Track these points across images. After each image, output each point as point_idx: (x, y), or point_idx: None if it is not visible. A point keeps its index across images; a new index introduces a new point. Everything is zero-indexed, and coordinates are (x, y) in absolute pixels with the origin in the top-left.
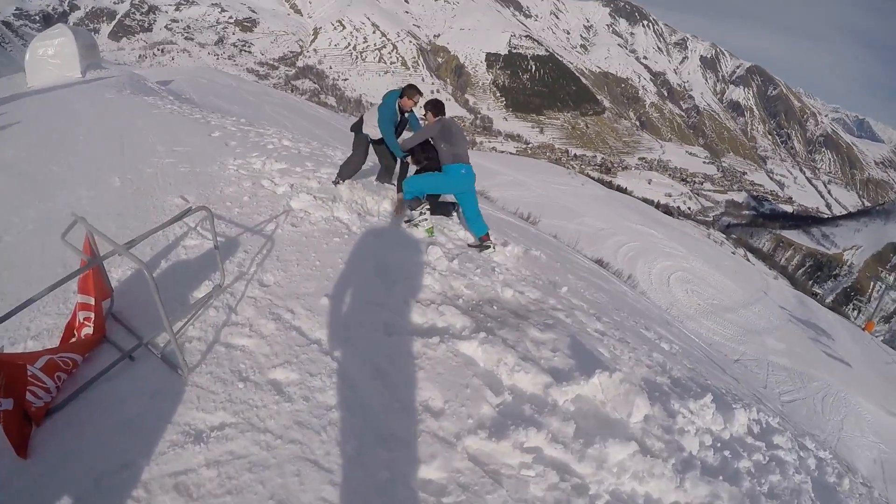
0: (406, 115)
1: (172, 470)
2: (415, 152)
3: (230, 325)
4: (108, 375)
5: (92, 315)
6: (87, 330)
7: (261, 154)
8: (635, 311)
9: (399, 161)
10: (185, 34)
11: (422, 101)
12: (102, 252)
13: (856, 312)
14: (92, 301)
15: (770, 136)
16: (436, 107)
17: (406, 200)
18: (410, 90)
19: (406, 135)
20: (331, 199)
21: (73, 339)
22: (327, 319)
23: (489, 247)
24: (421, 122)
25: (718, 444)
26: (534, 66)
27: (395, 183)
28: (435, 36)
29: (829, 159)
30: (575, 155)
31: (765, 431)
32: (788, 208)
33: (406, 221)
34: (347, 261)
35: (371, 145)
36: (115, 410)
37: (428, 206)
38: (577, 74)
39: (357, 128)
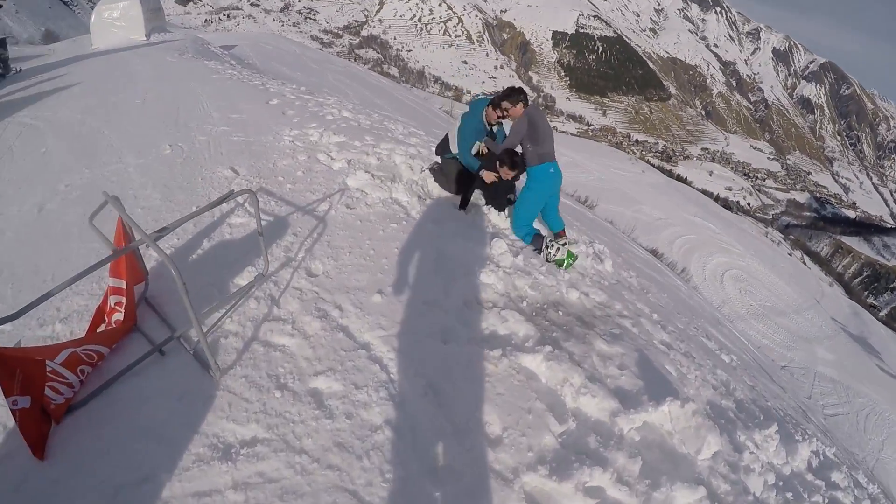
0: (493, 128)
1: (196, 489)
2: (498, 161)
3: (271, 319)
4: (136, 370)
5: (123, 300)
6: (118, 316)
7: (319, 125)
8: (689, 310)
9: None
10: (251, 0)
11: (514, 109)
12: (137, 234)
13: None
14: (124, 285)
15: (839, 137)
16: (521, 95)
17: (529, 245)
18: (504, 99)
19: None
20: (390, 178)
21: (102, 327)
22: (378, 320)
23: (565, 243)
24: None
25: (780, 483)
26: (600, 47)
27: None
28: (502, 11)
29: None
30: (636, 140)
31: (823, 466)
32: (851, 214)
33: (547, 260)
34: (404, 251)
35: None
36: (140, 412)
37: (552, 240)
38: (644, 58)
39: (442, 149)
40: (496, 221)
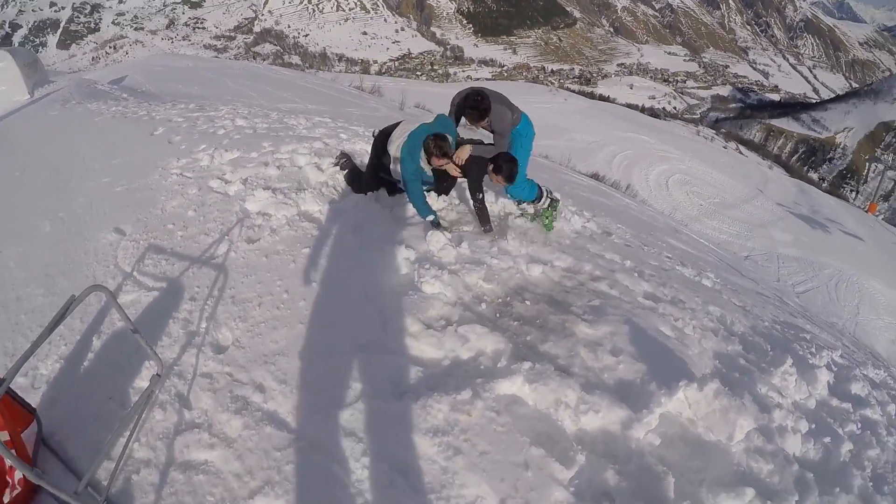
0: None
1: None
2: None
3: (184, 429)
4: None
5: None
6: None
7: (209, 145)
8: (647, 227)
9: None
10: (135, 24)
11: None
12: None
13: (854, 194)
14: (7, 436)
15: (749, 27)
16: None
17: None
18: (437, 144)
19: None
20: (295, 188)
21: (7, 495)
22: (309, 394)
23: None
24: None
25: (814, 426)
26: None
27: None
28: None
29: (812, 44)
30: (552, 70)
31: (840, 379)
32: (776, 97)
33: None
34: (324, 282)
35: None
36: None
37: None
38: None
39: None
40: (435, 204)
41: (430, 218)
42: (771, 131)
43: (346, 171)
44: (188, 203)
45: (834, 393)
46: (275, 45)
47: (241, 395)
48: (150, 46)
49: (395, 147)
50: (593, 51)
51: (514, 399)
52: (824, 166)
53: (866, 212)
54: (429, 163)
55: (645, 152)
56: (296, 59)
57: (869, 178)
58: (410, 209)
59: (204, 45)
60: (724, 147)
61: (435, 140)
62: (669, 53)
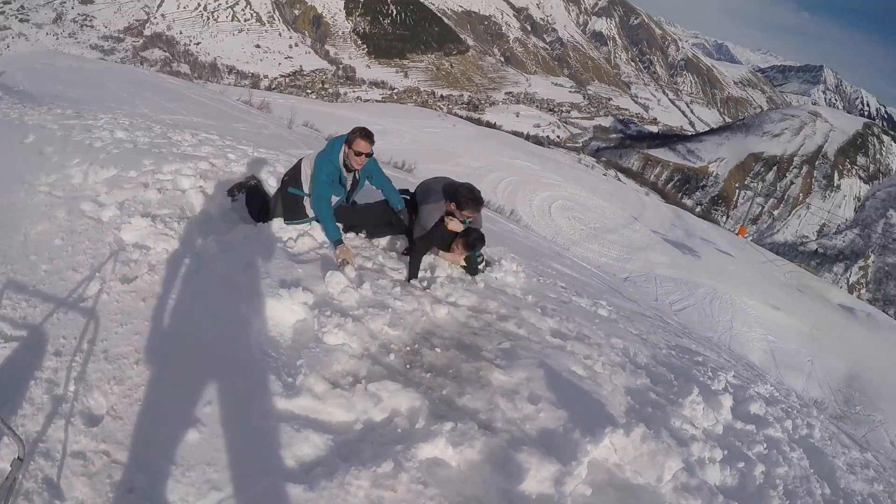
0: (355, 174)
1: None
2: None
3: None
4: None
5: None
6: None
7: (84, 159)
8: (531, 252)
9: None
10: (20, 15)
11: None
12: None
13: (724, 219)
14: None
15: (633, 63)
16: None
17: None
18: (359, 134)
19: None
20: (177, 215)
21: None
22: (204, 475)
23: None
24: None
25: (726, 453)
26: (395, 10)
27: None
28: None
29: (691, 81)
30: (441, 96)
31: (738, 401)
32: (654, 129)
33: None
34: (213, 332)
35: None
36: None
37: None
38: (438, 15)
39: (289, 182)
40: (320, 237)
41: (336, 239)
42: (648, 160)
43: (249, 193)
44: (55, 229)
45: (736, 415)
46: (164, 51)
47: (125, 480)
48: (34, 41)
49: (305, 176)
50: (483, 78)
51: (436, 461)
52: (698, 193)
53: (736, 234)
54: (350, 166)
55: (529, 178)
56: (185, 68)
57: (738, 204)
58: (304, 243)
59: (91, 45)
60: (605, 174)
61: (358, 130)
62: (556, 84)
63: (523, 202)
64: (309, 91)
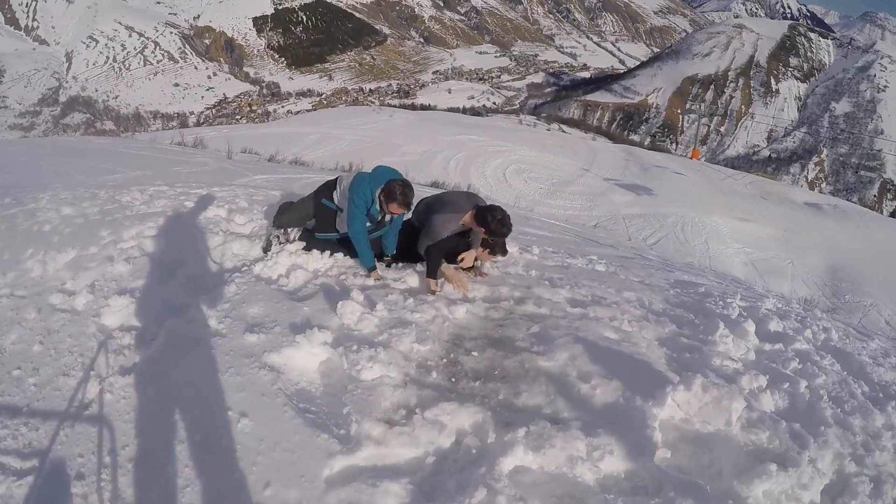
0: (387, 217)
1: None
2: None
3: None
4: None
5: None
6: None
7: (37, 248)
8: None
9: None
10: None
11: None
12: None
13: (674, 146)
14: None
15: (551, 16)
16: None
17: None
18: (404, 192)
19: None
20: (156, 281)
21: None
22: None
23: None
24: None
25: (768, 377)
26: (304, 17)
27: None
28: (195, 18)
29: (612, 20)
30: (370, 90)
31: (757, 323)
32: (586, 74)
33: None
34: (248, 408)
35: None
36: None
37: None
38: (349, 11)
39: (322, 193)
40: (312, 265)
41: (371, 266)
42: (588, 106)
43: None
44: (30, 333)
45: (761, 338)
46: (84, 112)
47: None
48: None
49: (340, 191)
50: (407, 63)
51: (518, 470)
52: (642, 127)
53: (690, 158)
54: (383, 208)
55: (477, 151)
56: (109, 125)
57: (685, 129)
58: (298, 278)
59: (9, 126)
60: (548, 129)
61: (403, 186)
62: (480, 53)
63: (477, 175)
64: (238, 117)
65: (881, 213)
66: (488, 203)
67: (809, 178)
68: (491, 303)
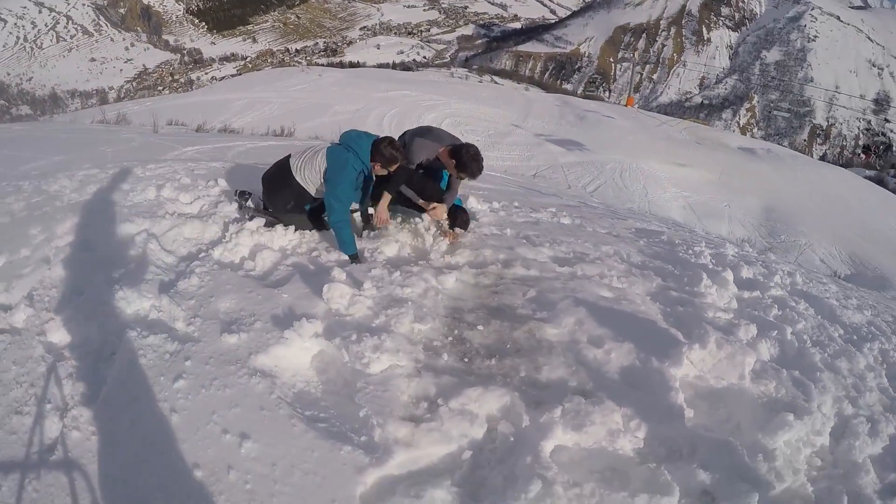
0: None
1: None
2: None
3: None
4: None
5: None
6: None
7: None
8: None
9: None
10: None
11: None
12: None
13: (607, 94)
14: None
15: None
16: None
17: None
18: (387, 149)
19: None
20: (103, 281)
21: None
22: None
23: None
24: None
25: (755, 326)
26: None
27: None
28: None
29: None
30: (297, 50)
31: (733, 266)
32: (517, 25)
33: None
34: (240, 418)
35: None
36: None
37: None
38: None
39: (276, 197)
40: (278, 243)
41: (353, 253)
42: (520, 57)
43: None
44: None
45: (738, 285)
46: None
47: None
48: None
49: (308, 169)
50: (333, 20)
51: (555, 450)
52: (575, 76)
53: (625, 105)
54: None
55: (410, 106)
56: (25, 109)
57: (617, 77)
58: (267, 258)
59: None
60: (480, 81)
61: (393, 143)
62: (408, 7)
63: None
64: (160, 87)
65: (811, 156)
66: None
67: (741, 124)
68: (478, 268)
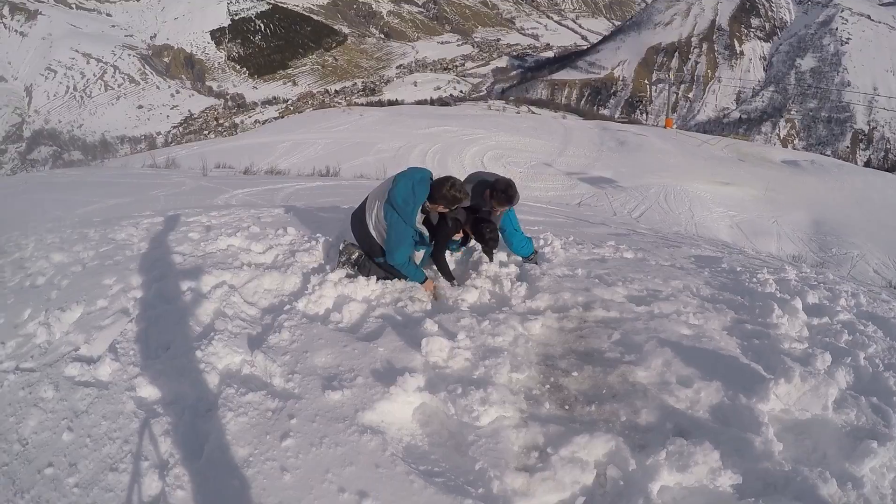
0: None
1: None
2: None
3: None
4: None
5: None
6: None
7: (35, 307)
8: None
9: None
10: None
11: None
12: None
13: (645, 116)
14: None
15: None
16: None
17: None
18: (450, 191)
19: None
20: (189, 336)
21: None
22: None
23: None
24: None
25: (828, 353)
26: (262, 25)
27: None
28: (151, 38)
29: None
30: (336, 91)
31: (800, 293)
32: (550, 54)
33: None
34: (360, 475)
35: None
36: None
37: None
38: (306, 14)
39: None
40: (361, 294)
41: (422, 279)
42: (555, 85)
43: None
44: (54, 418)
45: (806, 312)
46: (51, 145)
47: None
48: None
49: (375, 210)
50: (370, 60)
51: (661, 490)
52: (611, 101)
53: (664, 127)
54: (429, 210)
55: (452, 141)
56: (77, 155)
57: (654, 99)
58: (353, 310)
59: None
60: (518, 112)
61: (454, 185)
62: (442, 43)
63: (456, 165)
64: (206, 132)
65: (855, 163)
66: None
67: (782, 136)
68: (560, 312)
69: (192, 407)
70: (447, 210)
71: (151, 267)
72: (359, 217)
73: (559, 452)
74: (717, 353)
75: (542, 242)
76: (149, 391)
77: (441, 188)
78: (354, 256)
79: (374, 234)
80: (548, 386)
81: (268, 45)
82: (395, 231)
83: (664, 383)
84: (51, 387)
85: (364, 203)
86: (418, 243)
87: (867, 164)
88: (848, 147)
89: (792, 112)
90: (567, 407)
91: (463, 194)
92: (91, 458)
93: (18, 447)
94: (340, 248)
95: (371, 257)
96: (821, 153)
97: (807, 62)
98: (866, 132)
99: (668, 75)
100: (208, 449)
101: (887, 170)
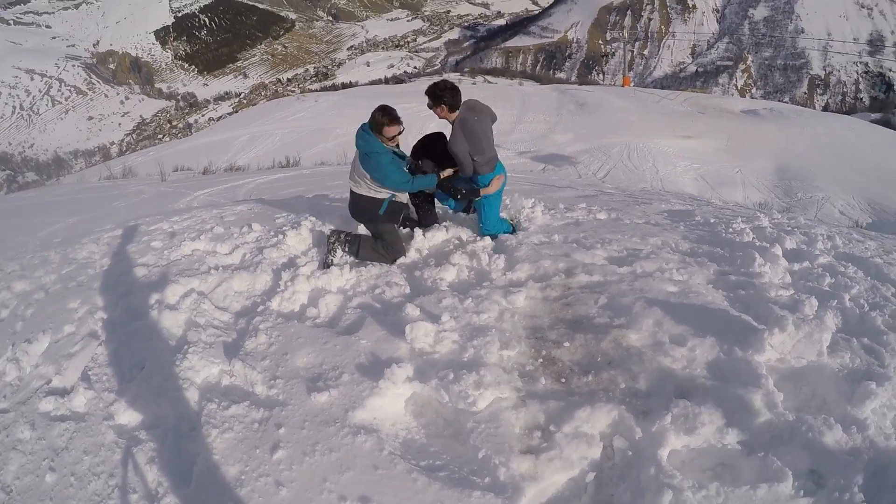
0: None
1: None
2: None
3: None
4: None
5: None
6: None
7: (1, 342)
8: None
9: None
10: None
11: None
12: None
13: (601, 76)
14: None
15: None
16: (452, 96)
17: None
18: (383, 115)
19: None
20: (163, 349)
21: None
22: None
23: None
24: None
25: (814, 298)
26: (206, 19)
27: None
28: (94, 45)
29: None
30: (288, 80)
31: (777, 239)
32: (502, 22)
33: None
34: (362, 480)
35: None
36: None
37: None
38: (251, 4)
39: (363, 210)
40: (335, 284)
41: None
42: (509, 53)
43: (354, 246)
44: (34, 460)
45: (787, 258)
46: (3, 169)
47: None
48: None
49: (356, 175)
50: (320, 44)
51: (669, 455)
52: (567, 64)
53: (622, 86)
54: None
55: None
56: (31, 176)
57: (610, 59)
58: (330, 302)
59: None
60: (474, 83)
61: (381, 110)
62: (392, 20)
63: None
64: (161, 136)
65: (814, 108)
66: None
67: (739, 86)
68: (542, 281)
69: (174, 428)
70: (397, 133)
71: (116, 283)
72: (352, 198)
73: (562, 429)
74: (706, 308)
75: (527, 210)
76: (127, 417)
77: (372, 118)
78: (343, 235)
79: (367, 193)
80: (541, 360)
81: (214, 39)
82: (375, 163)
83: (658, 344)
84: (27, 426)
85: (350, 190)
86: (402, 158)
87: (825, 108)
88: (805, 93)
89: (748, 62)
90: (563, 380)
91: (387, 115)
92: (77, 499)
93: (3, 496)
94: (328, 234)
95: (379, 224)
96: (779, 101)
97: (759, 11)
98: (822, 77)
99: (623, 34)
100: (197, 471)
101: (845, 113)
